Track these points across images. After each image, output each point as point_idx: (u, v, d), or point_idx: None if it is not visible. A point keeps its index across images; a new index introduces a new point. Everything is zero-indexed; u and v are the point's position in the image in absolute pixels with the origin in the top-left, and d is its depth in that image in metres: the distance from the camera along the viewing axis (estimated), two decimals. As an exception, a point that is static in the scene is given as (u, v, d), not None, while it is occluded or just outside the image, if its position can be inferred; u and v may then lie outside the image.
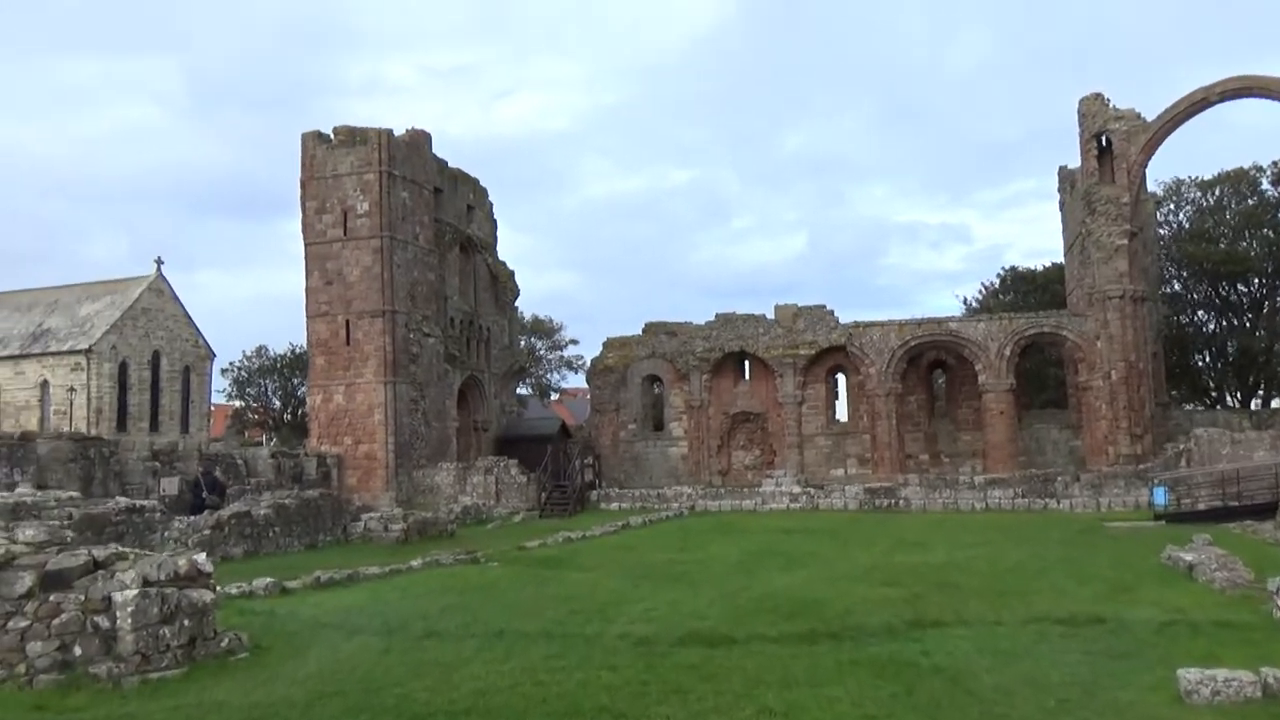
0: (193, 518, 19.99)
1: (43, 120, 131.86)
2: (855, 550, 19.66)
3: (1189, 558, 15.01)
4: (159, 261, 53.59)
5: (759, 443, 43.37)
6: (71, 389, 47.87)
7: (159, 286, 53.00)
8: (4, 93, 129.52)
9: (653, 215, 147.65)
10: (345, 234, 37.70)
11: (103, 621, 8.14)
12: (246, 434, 71.05)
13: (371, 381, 36.78)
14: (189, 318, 54.82)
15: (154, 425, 51.12)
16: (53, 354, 49.30)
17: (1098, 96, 38.64)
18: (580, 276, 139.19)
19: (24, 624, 7.96)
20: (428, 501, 34.68)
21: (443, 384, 40.22)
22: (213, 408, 73.35)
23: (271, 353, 68.78)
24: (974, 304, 59.33)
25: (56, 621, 8.05)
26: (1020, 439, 40.10)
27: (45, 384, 49.30)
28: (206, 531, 18.93)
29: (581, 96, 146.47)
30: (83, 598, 8.18)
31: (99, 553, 8.66)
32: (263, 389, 71.68)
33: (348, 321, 37.37)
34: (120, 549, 9.04)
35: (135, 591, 8.18)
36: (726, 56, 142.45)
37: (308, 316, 38.17)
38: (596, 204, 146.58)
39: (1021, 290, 56.20)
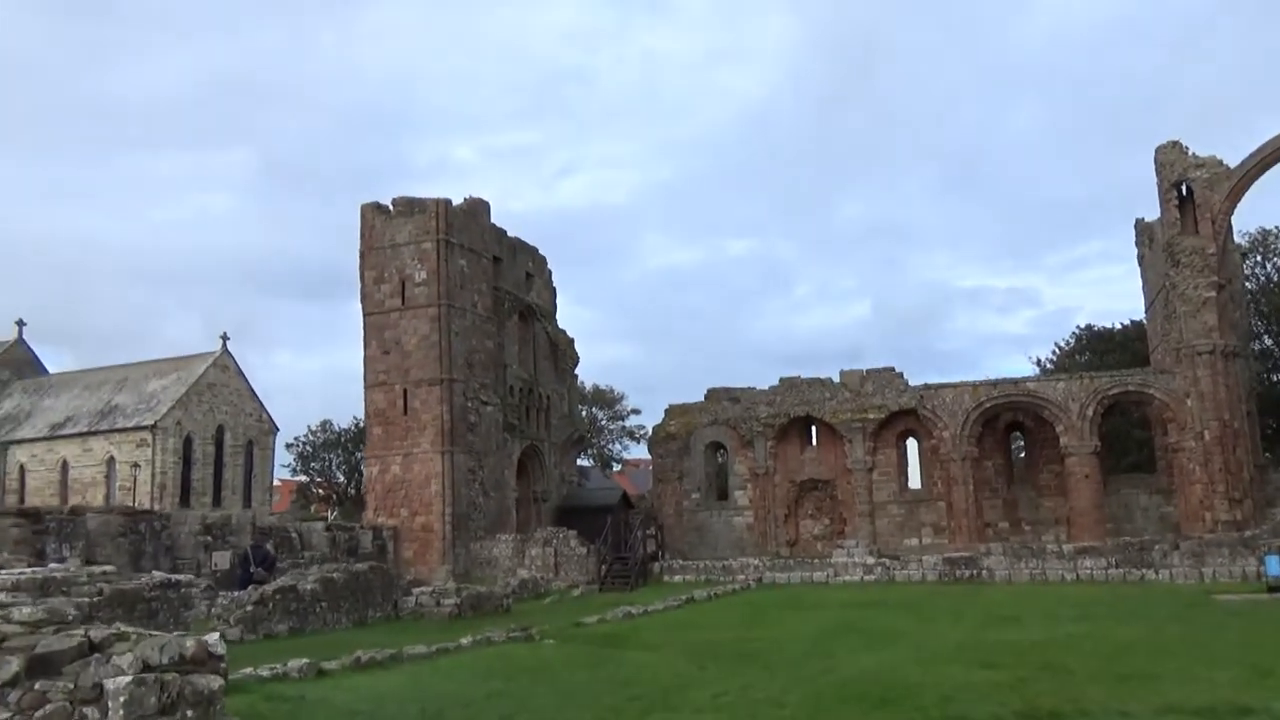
0: (236, 593, 19.17)
1: (129, 210, 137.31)
2: (942, 626, 18.00)
3: (1332, 635, 13.21)
4: (224, 337, 54.33)
5: (828, 511, 41.55)
6: (136, 465, 48.12)
7: (224, 362, 53.53)
8: (94, 186, 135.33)
9: (713, 285, 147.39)
10: (403, 303, 37.43)
11: (92, 713, 7.12)
12: (313, 508, 71.04)
13: (429, 451, 36.04)
14: (253, 392, 55.18)
15: (216, 500, 51.11)
16: (119, 430, 49.77)
17: (1175, 144, 37.01)
18: (642, 348, 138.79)
19: (4, 716, 6.99)
20: (485, 575, 33.55)
21: (501, 453, 39.36)
22: (278, 482, 73.72)
23: (336, 427, 68.94)
24: (1048, 365, 57.10)
25: (39, 713, 7.05)
26: (1106, 505, 37.71)
27: (111, 460, 49.70)
28: (249, 608, 18.05)
29: (639, 172, 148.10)
30: (71, 685, 7.19)
31: (95, 633, 7.68)
32: (326, 463, 71.67)
33: (405, 391, 36.85)
34: (122, 629, 8.06)
35: (129, 679, 7.16)
36: (781, 128, 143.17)
37: (366, 387, 37.79)
38: (656, 276, 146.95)
39: (1099, 350, 53.89)
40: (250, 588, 19.74)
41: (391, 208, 38.55)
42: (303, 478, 72.64)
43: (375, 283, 37.99)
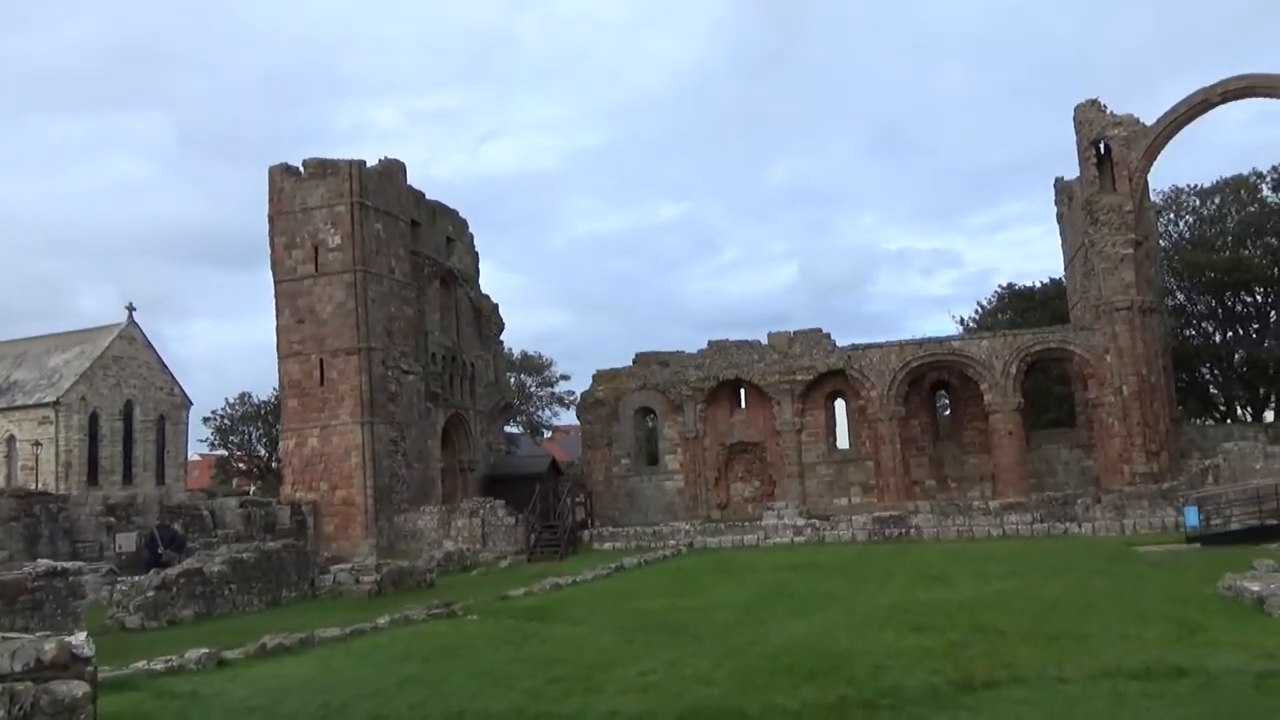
0: (137, 578, 18.10)
1: (36, 177, 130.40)
2: (872, 587, 17.83)
3: (1255, 588, 13.22)
4: (130, 308, 51.86)
5: (758, 474, 41.53)
6: (38, 443, 45.85)
7: (131, 334, 51.15)
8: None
9: (641, 251, 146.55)
10: (316, 269, 35.99)
11: (-71, 733, 6.29)
12: (234, 483, 69.08)
13: (348, 423, 34.88)
14: (163, 365, 52.94)
15: (127, 477, 49.08)
16: (19, 408, 47.32)
17: (1094, 103, 37.35)
18: (571, 314, 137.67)
19: None
20: (410, 548, 32.70)
21: (424, 423, 38.34)
22: (196, 457, 71.34)
23: (256, 399, 66.93)
24: (971, 324, 57.83)
25: None
26: (1029, 460, 38.37)
27: (11, 439, 47.30)
28: (151, 593, 17.01)
29: (567, 137, 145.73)
30: (-96, 702, 6.34)
31: (-64, 641, 6.83)
32: (246, 436, 69.68)
33: (321, 361, 35.54)
34: (-30, 634, 7.20)
35: (-29, 692, 6.34)
36: (711, 93, 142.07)
37: (279, 357, 36.39)
38: (585, 242, 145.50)
39: (1020, 308, 54.73)
40: (153, 571, 18.67)
41: (302, 170, 36.95)
42: (222, 452, 70.58)
43: (286, 249, 36.46)
